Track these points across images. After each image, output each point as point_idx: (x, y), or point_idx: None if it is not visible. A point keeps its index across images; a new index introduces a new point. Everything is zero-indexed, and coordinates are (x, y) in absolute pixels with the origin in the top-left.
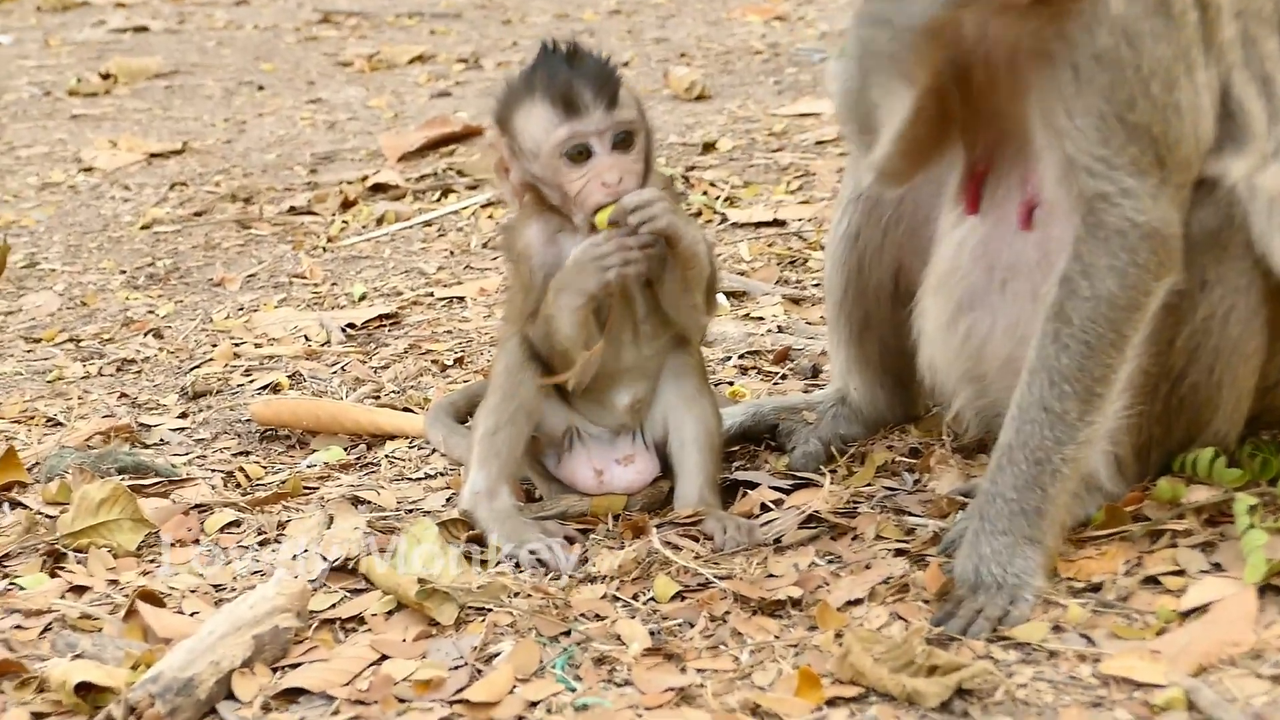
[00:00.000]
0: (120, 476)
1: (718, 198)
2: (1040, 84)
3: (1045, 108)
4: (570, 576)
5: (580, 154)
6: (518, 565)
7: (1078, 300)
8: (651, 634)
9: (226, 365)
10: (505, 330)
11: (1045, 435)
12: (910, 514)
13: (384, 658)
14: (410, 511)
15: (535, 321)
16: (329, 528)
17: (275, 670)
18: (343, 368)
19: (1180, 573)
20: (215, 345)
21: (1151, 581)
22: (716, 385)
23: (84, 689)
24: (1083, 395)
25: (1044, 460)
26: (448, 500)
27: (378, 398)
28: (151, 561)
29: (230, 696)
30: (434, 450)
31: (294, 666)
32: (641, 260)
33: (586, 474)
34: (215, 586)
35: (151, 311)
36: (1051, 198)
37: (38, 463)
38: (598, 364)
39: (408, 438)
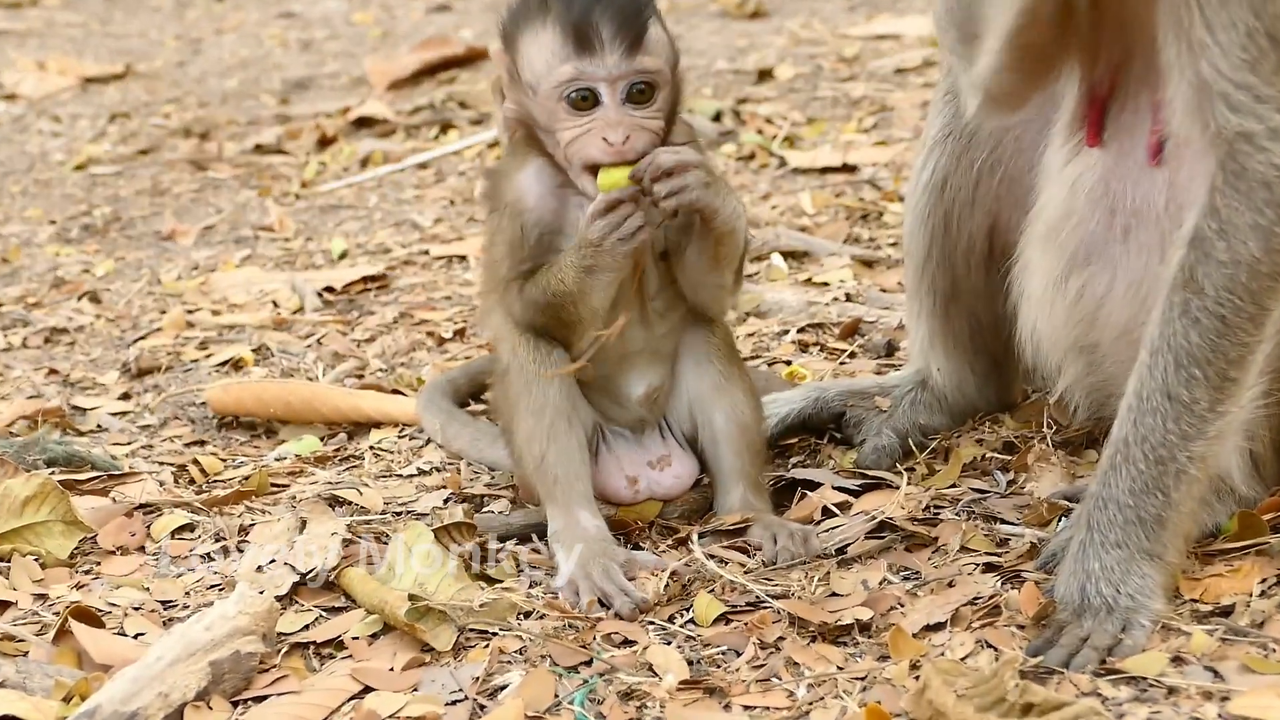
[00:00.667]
0: (49, 470)
1: (774, 137)
2: None
3: (1180, 13)
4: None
5: (584, 100)
6: (577, 594)
7: (1212, 265)
8: (690, 664)
9: (177, 336)
10: (489, 305)
11: (1169, 428)
12: (1003, 521)
13: (366, 690)
14: (399, 514)
15: (522, 287)
16: (301, 533)
17: (236, 704)
18: (318, 340)
19: None
20: (164, 312)
21: None
22: (771, 364)
23: None
24: (1215, 381)
25: (1167, 458)
26: (445, 501)
27: (361, 377)
28: (87, 572)
29: None
30: (429, 440)
31: (259, 700)
32: (654, 228)
33: (618, 483)
34: (164, 603)
35: (87, 270)
36: (1183, 131)
37: None
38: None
39: (397, 425)
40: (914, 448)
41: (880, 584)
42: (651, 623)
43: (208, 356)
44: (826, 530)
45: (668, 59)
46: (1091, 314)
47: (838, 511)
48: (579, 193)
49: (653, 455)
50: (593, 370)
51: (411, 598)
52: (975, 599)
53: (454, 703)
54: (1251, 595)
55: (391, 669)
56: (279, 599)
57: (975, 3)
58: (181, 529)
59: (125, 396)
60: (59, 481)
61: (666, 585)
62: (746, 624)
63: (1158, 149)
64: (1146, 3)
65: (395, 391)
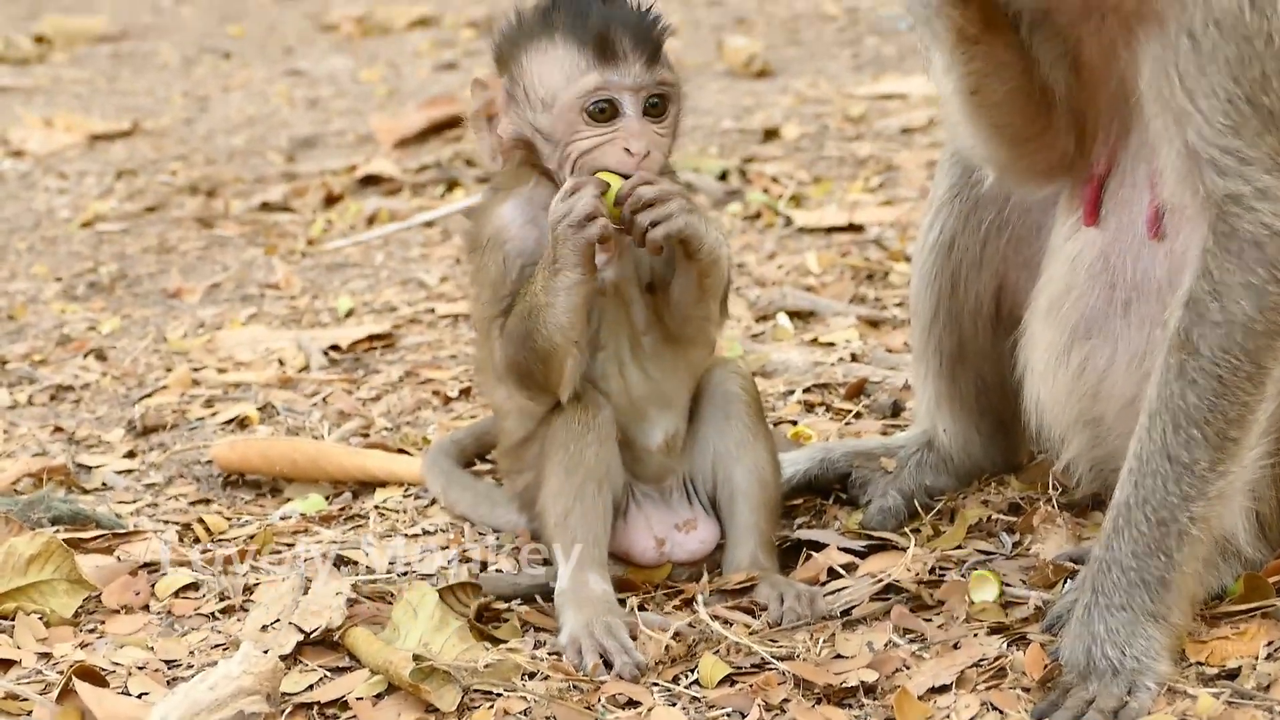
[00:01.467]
0: (54, 528)
1: (780, 196)
2: (1154, 55)
3: (1161, 86)
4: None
5: (605, 112)
6: (580, 652)
7: (1207, 325)
8: None
9: (183, 394)
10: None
11: (1170, 490)
12: (1009, 584)
13: None
14: (404, 574)
15: (504, 324)
16: (306, 593)
17: None
18: (324, 399)
19: None
20: (169, 370)
21: None
22: (776, 424)
23: None
24: (1214, 441)
25: (1169, 520)
26: (450, 561)
27: (366, 436)
28: (91, 631)
29: None
30: (433, 500)
31: None
32: (630, 248)
33: (646, 544)
34: (168, 663)
35: (93, 328)
36: (1174, 200)
37: None
38: (584, 364)
39: (402, 485)
40: (920, 509)
41: (886, 646)
42: (656, 684)
43: (213, 414)
44: (832, 592)
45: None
46: (1094, 387)
47: (844, 573)
48: None
49: (679, 518)
50: (571, 388)
51: (416, 658)
52: (980, 661)
53: None
54: (1257, 658)
55: None
56: (283, 658)
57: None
58: (186, 588)
59: (130, 454)
60: (63, 540)
61: (668, 647)
62: (752, 685)
63: (1156, 222)
64: (1131, 80)
65: (401, 451)
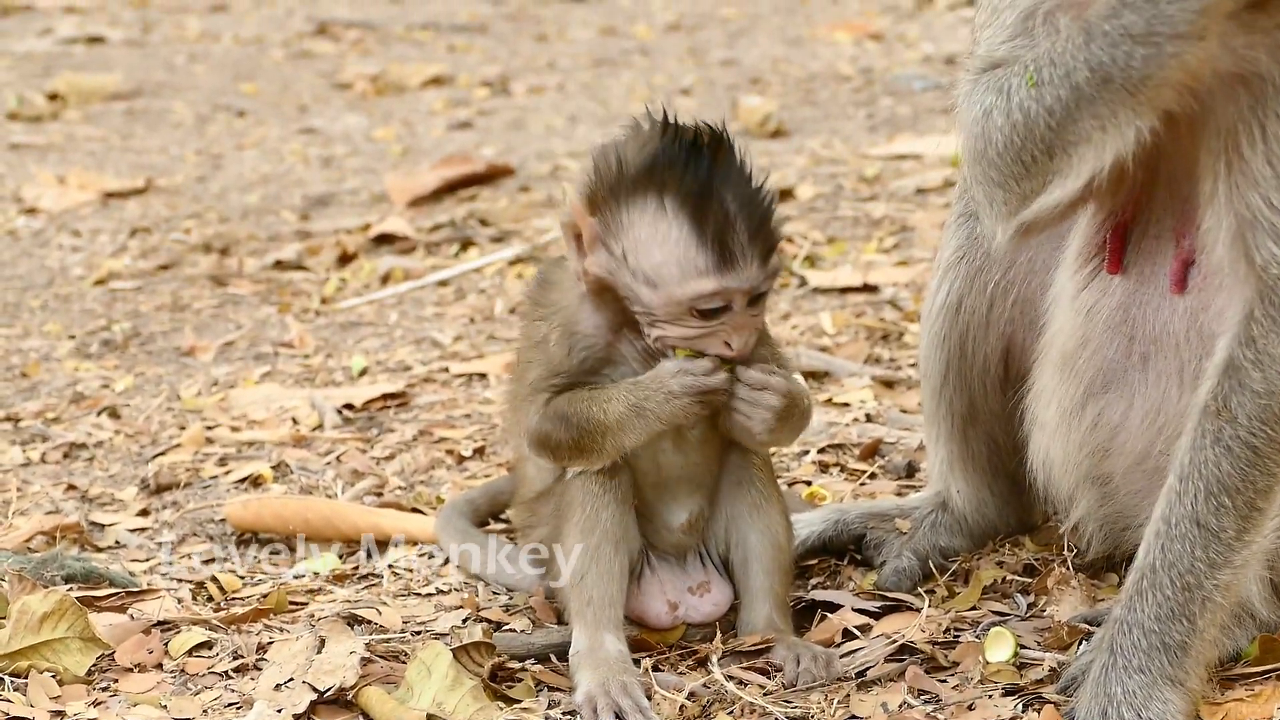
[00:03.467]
0: (67, 586)
1: (795, 256)
2: (1232, 114)
3: (1232, 145)
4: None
5: (715, 312)
6: (595, 712)
7: (1247, 394)
8: None
9: (197, 453)
10: (518, 417)
11: (1197, 556)
12: (1024, 646)
13: None
14: (418, 634)
15: (550, 400)
16: (320, 652)
17: None
18: (338, 458)
19: None
20: (183, 428)
21: None
22: (791, 485)
23: None
24: (1243, 510)
25: (1194, 586)
26: (464, 621)
27: (380, 495)
28: (104, 689)
29: None
30: (447, 559)
31: None
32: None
33: (659, 608)
34: None
35: (106, 386)
36: (1219, 259)
37: None
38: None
39: (416, 544)
40: (934, 570)
41: (900, 707)
42: None
43: (227, 473)
44: (847, 653)
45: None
46: (1105, 444)
47: (858, 634)
48: (636, 341)
49: (694, 580)
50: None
51: (430, 717)
52: None
53: None
54: None
55: None
56: (297, 717)
57: (1064, 143)
58: (199, 646)
59: (144, 513)
60: (77, 598)
61: (683, 707)
62: None
63: (1182, 276)
64: (1186, 135)
65: (415, 510)
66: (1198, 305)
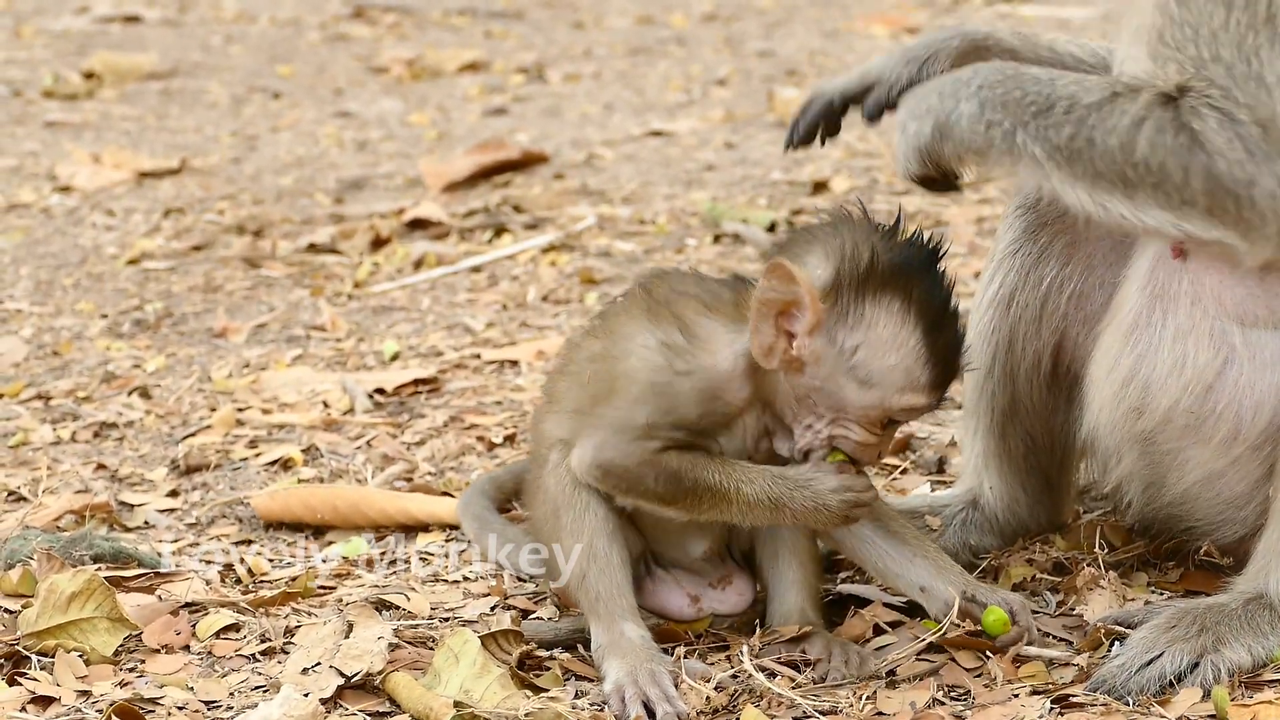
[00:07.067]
0: (95, 566)
1: None
2: None
3: None
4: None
5: (894, 422)
6: (624, 701)
7: None
8: None
9: (227, 434)
10: (557, 431)
11: None
12: (1051, 642)
13: None
14: (446, 620)
15: (663, 448)
16: (347, 637)
17: None
18: (368, 442)
19: None
20: (214, 409)
21: None
22: None
23: None
24: None
25: None
26: (492, 608)
27: (410, 480)
28: (131, 670)
29: None
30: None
31: None
32: None
33: (679, 602)
34: (208, 704)
35: (137, 366)
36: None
37: None
38: None
39: (445, 529)
40: (964, 567)
41: (928, 705)
42: None
43: (257, 455)
44: (878, 648)
45: None
46: (1140, 396)
47: (888, 629)
48: (766, 410)
49: (714, 575)
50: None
51: (457, 704)
52: None
53: None
54: None
55: None
56: (323, 702)
57: None
58: (227, 629)
59: (173, 494)
60: (105, 578)
61: (709, 698)
62: None
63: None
64: None
65: (445, 494)
66: (1197, 274)
